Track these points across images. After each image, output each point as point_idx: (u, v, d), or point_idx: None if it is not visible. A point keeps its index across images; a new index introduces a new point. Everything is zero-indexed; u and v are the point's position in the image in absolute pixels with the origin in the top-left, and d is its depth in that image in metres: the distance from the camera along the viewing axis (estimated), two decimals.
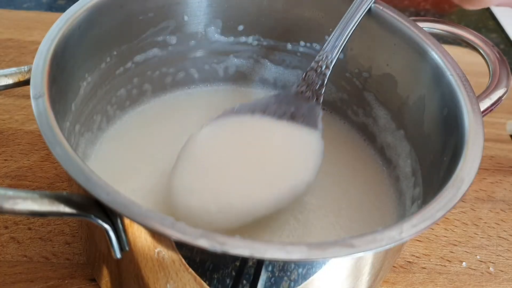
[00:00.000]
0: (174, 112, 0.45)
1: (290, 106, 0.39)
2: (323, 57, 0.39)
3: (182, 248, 0.27)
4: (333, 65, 0.39)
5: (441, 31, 0.41)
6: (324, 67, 0.39)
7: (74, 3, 0.35)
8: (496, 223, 0.46)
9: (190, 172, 0.36)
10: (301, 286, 0.29)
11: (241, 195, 0.34)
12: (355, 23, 0.39)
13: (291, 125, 0.39)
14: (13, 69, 0.31)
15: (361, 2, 0.39)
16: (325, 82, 0.39)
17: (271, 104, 0.40)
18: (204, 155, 0.37)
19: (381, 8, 0.40)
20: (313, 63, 0.39)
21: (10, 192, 0.25)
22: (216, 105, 0.45)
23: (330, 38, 0.39)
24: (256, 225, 0.37)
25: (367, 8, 0.39)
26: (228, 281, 0.28)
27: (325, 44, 0.39)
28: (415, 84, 0.39)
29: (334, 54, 0.39)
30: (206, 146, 0.37)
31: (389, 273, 0.41)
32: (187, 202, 0.34)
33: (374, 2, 0.39)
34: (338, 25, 0.39)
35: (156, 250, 0.28)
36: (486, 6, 0.39)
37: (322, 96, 0.39)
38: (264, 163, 0.37)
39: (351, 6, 0.39)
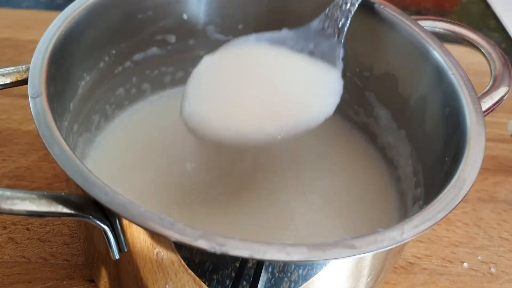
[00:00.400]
0: (173, 112, 0.45)
1: (309, 43, 0.38)
2: None
3: (181, 249, 0.27)
4: (360, 2, 0.37)
5: (442, 30, 0.40)
6: (349, 4, 0.37)
7: (72, 2, 0.35)
8: (497, 224, 0.46)
9: (204, 90, 0.35)
10: (301, 287, 0.28)
11: (255, 118, 0.34)
12: None
13: (310, 59, 0.38)
14: (11, 69, 0.31)
15: None
16: (350, 18, 0.37)
17: (289, 38, 0.38)
18: (219, 77, 0.36)
19: (382, 6, 0.39)
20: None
21: (8, 193, 0.25)
22: None
23: None
24: (256, 226, 0.37)
25: None
26: (227, 282, 0.28)
27: None
28: (416, 83, 0.39)
29: None
30: (222, 69, 0.37)
31: (390, 274, 0.41)
32: (199, 114, 0.34)
33: None
34: None
35: (155, 251, 0.27)
36: None
37: (345, 34, 0.37)
38: (280, 90, 0.36)
39: None
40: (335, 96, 0.37)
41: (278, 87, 0.36)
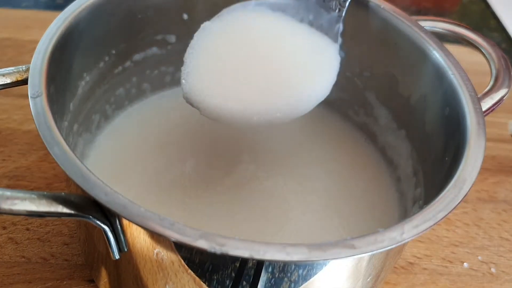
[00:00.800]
0: (173, 112, 0.45)
1: (309, 13, 0.37)
2: None
3: (181, 249, 0.27)
4: None
5: (442, 30, 0.40)
6: None
7: (72, 2, 0.35)
8: (498, 224, 0.46)
9: (202, 64, 0.35)
10: (301, 287, 0.28)
11: (254, 95, 0.34)
12: None
13: (310, 30, 0.37)
14: (10, 69, 0.31)
15: None
16: None
17: (290, 6, 0.37)
18: (217, 47, 0.36)
19: (382, 6, 0.39)
20: None
21: (8, 193, 0.25)
22: None
23: None
24: (256, 226, 0.37)
25: None
26: (227, 282, 0.28)
27: None
28: (416, 83, 0.39)
29: None
30: (220, 38, 0.36)
31: (390, 274, 0.41)
32: (199, 88, 0.34)
33: None
34: None
35: (155, 251, 0.27)
36: None
37: (346, 8, 0.37)
38: (279, 64, 0.35)
39: None
40: (332, 73, 0.36)
41: (278, 59, 0.35)
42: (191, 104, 0.34)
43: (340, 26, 0.37)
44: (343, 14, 0.37)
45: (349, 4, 0.37)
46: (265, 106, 0.34)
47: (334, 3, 0.37)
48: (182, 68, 0.35)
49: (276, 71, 0.35)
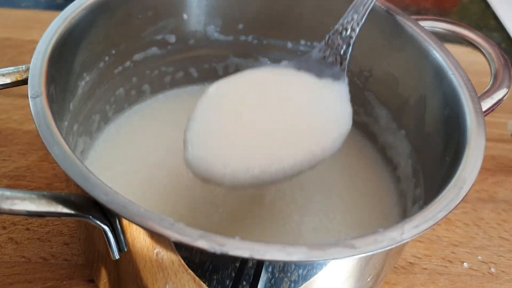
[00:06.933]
0: (173, 111, 0.45)
1: (311, 72, 0.36)
2: (348, 19, 0.36)
3: (181, 249, 0.27)
4: (361, 26, 0.36)
5: (442, 30, 0.40)
6: (349, 30, 0.36)
7: (72, 2, 0.35)
8: (497, 224, 0.46)
9: (206, 127, 0.33)
10: (301, 287, 0.28)
11: (261, 157, 0.32)
12: None
13: (318, 85, 0.35)
14: (10, 68, 0.31)
15: None
16: (352, 44, 0.36)
17: (291, 67, 0.36)
18: (223, 111, 0.33)
19: (382, 6, 0.39)
20: (337, 26, 0.36)
21: (8, 193, 0.25)
22: None
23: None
24: (257, 227, 0.37)
25: None
26: (227, 282, 0.28)
27: (350, 7, 0.36)
28: (416, 83, 0.39)
29: (361, 14, 0.36)
30: (226, 101, 0.34)
31: (390, 274, 0.41)
32: (201, 157, 0.31)
33: None
34: None
35: (155, 251, 0.27)
36: None
37: (348, 60, 0.35)
38: (287, 123, 0.33)
39: None
40: (345, 127, 0.34)
41: (287, 118, 0.33)
42: (197, 174, 0.32)
43: (345, 78, 0.36)
44: (345, 67, 0.36)
45: (350, 56, 0.36)
46: (278, 170, 0.32)
47: (334, 57, 0.36)
48: (184, 136, 0.33)
49: (285, 130, 0.33)
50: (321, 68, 0.36)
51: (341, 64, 0.36)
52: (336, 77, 0.35)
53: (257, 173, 0.31)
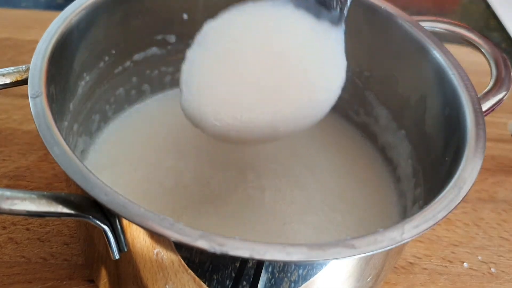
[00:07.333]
0: (173, 111, 0.45)
1: (310, 13, 0.34)
2: None
3: (181, 249, 0.27)
4: None
5: (442, 30, 0.40)
6: None
7: (72, 2, 0.35)
8: (497, 224, 0.46)
9: (200, 70, 0.32)
10: (301, 287, 0.28)
11: (260, 106, 0.31)
12: None
13: (316, 30, 0.33)
14: (10, 68, 0.31)
15: None
16: None
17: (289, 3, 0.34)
18: (218, 54, 0.33)
19: (382, 6, 0.39)
20: None
21: (8, 193, 0.25)
22: None
23: None
24: (257, 227, 0.37)
25: None
26: (227, 282, 0.28)
27: None
28: (416, 83, 0.39)
29: None
30: (222, 43, 0.33)
31: (390, 274, 0.41)
32: (193, 101, 0.31)
33: None
34: None
35: (155, 251, 0.27)
36: None
37: (348, 6, 0.34)
38: (282, 70, 0.32)
39: None
40: (340, 80, 0.34)
41: (284, 64, 0.32)
42: (192, 122, 0.32)
43: (343, 25, 0.35)
44: (344, 13, 0.35)
45: (350, 2, 0.35)
46: (271, 124, 0.31)
47: (334, 1, 0.35)
48: (180, 79, 0.33)
49: (282, 79, 0.32)
50: (320, 9, 0.34)
51: (341, 10, 0.34)
52: (334, 22, 0.34)
53: (246, 119, 0.31)
